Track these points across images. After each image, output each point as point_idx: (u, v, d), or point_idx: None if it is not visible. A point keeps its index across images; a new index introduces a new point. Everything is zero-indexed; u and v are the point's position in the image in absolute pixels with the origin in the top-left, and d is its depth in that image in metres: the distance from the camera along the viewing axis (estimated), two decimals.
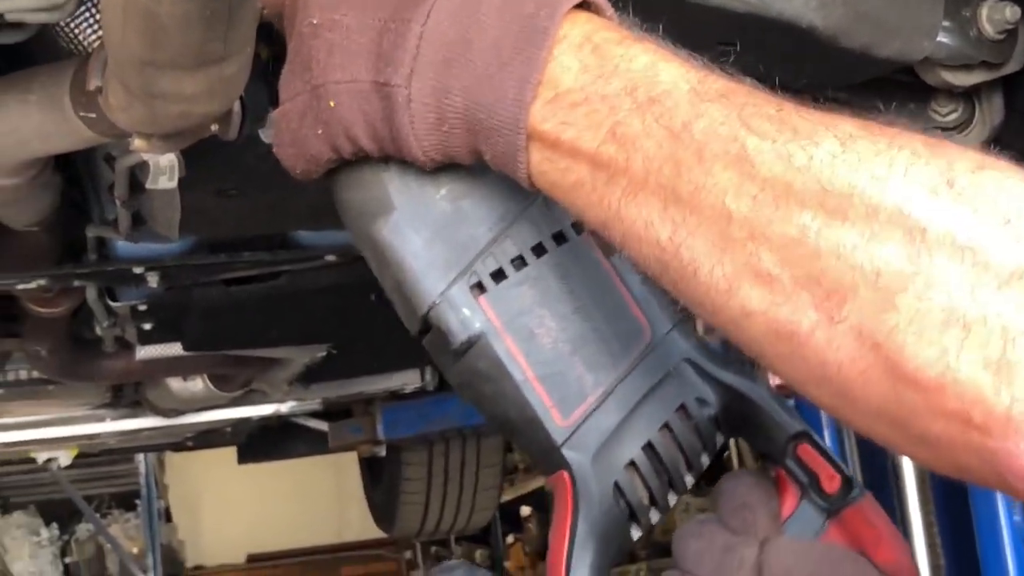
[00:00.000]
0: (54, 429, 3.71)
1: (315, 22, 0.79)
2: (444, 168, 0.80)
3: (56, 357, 2.77)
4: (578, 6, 0.76)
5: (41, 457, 4.16)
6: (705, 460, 0.85)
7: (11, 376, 3.11)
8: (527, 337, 0.81)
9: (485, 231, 0.82)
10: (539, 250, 0.83)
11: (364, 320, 2.58)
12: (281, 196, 1.89)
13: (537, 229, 0.83)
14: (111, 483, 9.26)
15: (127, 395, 3.54)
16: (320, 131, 0.80)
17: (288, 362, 3.09)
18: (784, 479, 0.85)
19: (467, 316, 0.80)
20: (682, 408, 0.84)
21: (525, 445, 0.84)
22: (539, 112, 0.74)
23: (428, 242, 0.81)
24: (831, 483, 0.83)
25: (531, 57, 0.74)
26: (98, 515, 8.95)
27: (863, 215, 0.65)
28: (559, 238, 0.84)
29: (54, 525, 9.09)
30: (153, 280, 2.29)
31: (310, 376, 3.27)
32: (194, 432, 4.03)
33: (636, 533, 0.83)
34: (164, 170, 1.75)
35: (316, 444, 4.32)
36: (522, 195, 0.81)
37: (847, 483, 0.84)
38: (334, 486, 10.81)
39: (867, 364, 0.65)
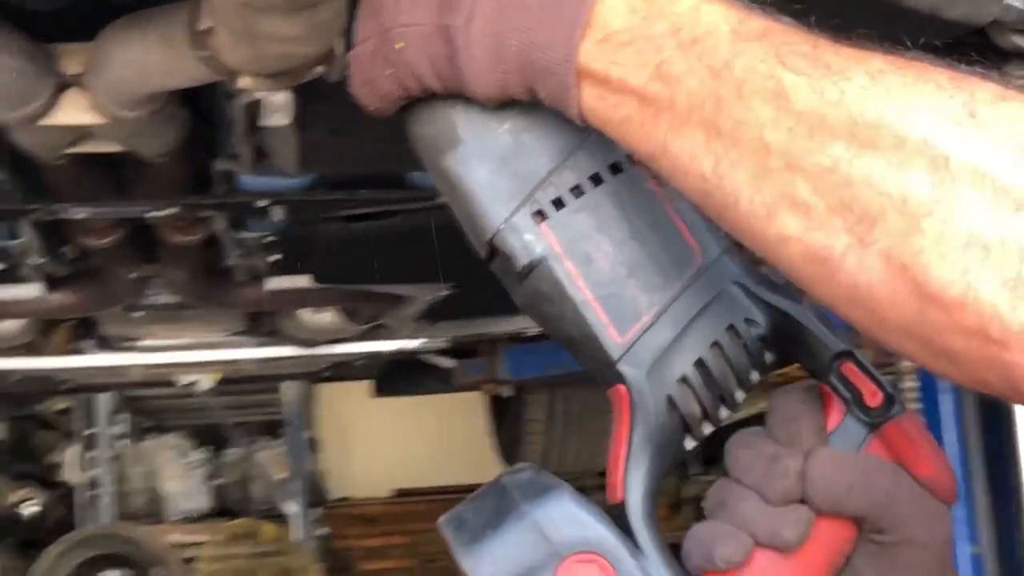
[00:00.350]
0: (194, 353, 3.89)
1: None
2: (506, 104, 0.86)
3: (191, 284, 2.91)
4: None
5: (183, 380, 4.36)
6: (755, 377, 0.90)
7: (151, 300, 3.27)
8: (585, 261, 0.86)
9: (546, 162, 0.87)
10: (596, 179, 0.88)
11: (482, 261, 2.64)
12: (392, 136, 1.96)
13: (594, 160, 0.88)
14: (259, 411, 9.58)
15: (264, 324, 3.69)
16: (389, 71, 0.86)
17: (412, 300, 3.17)
18: (829, 395, 0.88)
19: (529, 241, 0.86)
20: (731, 328, 0.89)
21: (585, 361, 0.89)
22: (589, 52, 0.79)
23: (493, 173, 0.86)
24: (873, 399, 0.87)
25: (580, 0, 0.79)
26: (246, 441, 9.29)
27: (891, 145, 0.69)
28: (615, 168, 0.88)
29: (204, 449, 9.45)
30: (277, 213, 2.39)
31: (434, 315, 3.35)
32: (328, 364, 4.17)
33: (690, 443, 0.89)
34: (278, 107, 1.84)
35: (445, 382, 4.43)
36: (580, 129, 0.86)
37: (889, 399, 0.87)
38: (481, 426, 11.06)
39: (895, 285, 0.70)
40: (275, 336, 3.70)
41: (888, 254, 0.70)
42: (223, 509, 9.27)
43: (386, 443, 13.04)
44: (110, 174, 2.32)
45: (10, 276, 2.69)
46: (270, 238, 2.58)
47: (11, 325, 3.15)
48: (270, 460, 9.28)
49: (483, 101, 0.86)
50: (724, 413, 0.90)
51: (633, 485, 0.86)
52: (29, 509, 10.63)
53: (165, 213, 2.36)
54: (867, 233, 0.70)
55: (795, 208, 0.72)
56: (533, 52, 0.81)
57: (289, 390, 8.65)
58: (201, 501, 9.08)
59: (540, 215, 0.87)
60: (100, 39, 1.76)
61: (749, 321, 0.90)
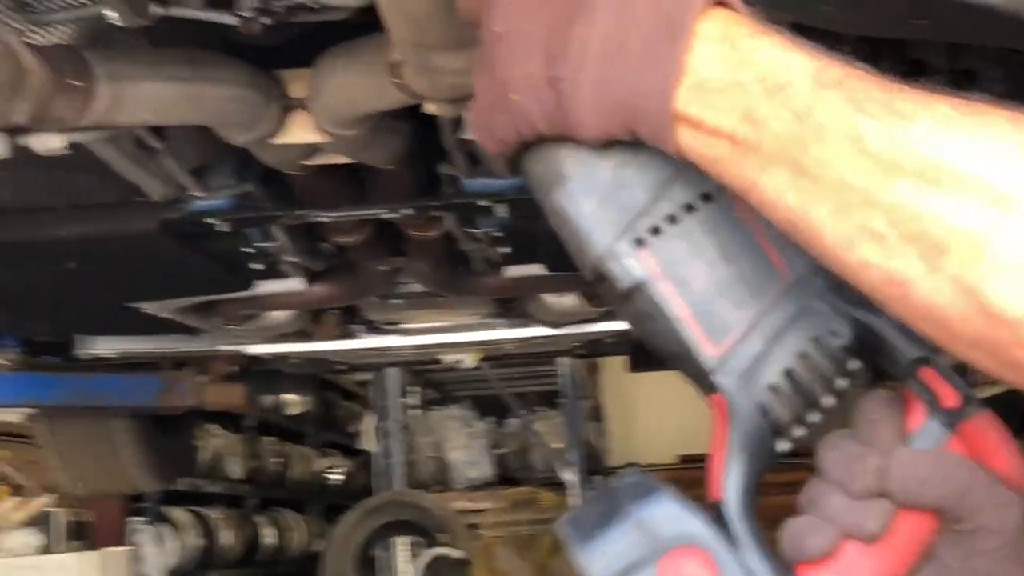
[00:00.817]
0: (456, 335, 4.13)
1: (497, 29, 0.96)
2: (608, 145, 0.96)
3: (435, 274, 3.13)
4: (715, 4, 0.90)
5: (448, 359, 4.61)
6: (842, 383, 0.98)
7: (409, 289, 3.52)
8: (681, 282, 0.96)
9: (644, 194, 0.96)
10: (689, 208, 0.97)
11: None
12: None
13: (688, 191, 0.97)
14: (538, 383, 9.86)
15: (513, 307, 3.89)
16: (507, 119, 0.96)
17: None
18: (910, 398, 0.96)
19: (630, 265, 0.95)
20: (816, 339, 0.97)
21: (685, 372, 0.99)
22: (684, 98, 0.89)
23: (597, 206, 0.96)
24: (951, 400, 0.95)
25: (674, 51, 0.89)
26: (525, 411, 9.57)
27: (953, 183, 0.80)
28: (706, 198, 0.97)
29: (487, 419, 9.80)
30: (501, 211, 2.56)
31: None
32: (580, 342, 4.33)
33: (782, 446, 0.97)
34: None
35: None
36: (674, 163, 0.95)
37: (966, 400, 0.95)
38: None
39: (963, 306, 0.80)
40: (525, 318, 3.89)
41: (956, 279, 0.80)
42: (505, 477, 9.62)
43: (669, 409, 13.13)
44: (349, 180, 2.55)
45: (274, 273, 2.98)
46: (498, 232, 2.75)
47: (283, 315, 3.47)
48: (549, 429, 9.52)
49: (590, 142, 0.95)
50: (813, 417, 0.98)
51: (730, 484, 0.95)
52: (334, 476, 11.33)
53: (399, 215, 2.57)
54: (937, 260, 0.80)
55: (873, 238, 0.83)
56: (634, 99, 0.90)
57: (565, 362, 8.85)
58: (485, 469, 9.43)
59: (639, 242, 0.96)
60: (317, 67, 1.98)
61: (833, 332, 0.98)
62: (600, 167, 0.97)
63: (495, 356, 4.75)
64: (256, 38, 1.86)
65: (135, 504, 7.82)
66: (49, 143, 1.79)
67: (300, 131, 2.07)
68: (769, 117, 0.85)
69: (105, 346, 3.76)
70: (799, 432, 0.97)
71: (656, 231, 0.96)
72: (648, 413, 13.67)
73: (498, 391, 8.85)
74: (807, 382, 0.97)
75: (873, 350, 0.99)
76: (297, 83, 2.05)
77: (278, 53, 2.07)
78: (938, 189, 0.80)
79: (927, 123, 0.81)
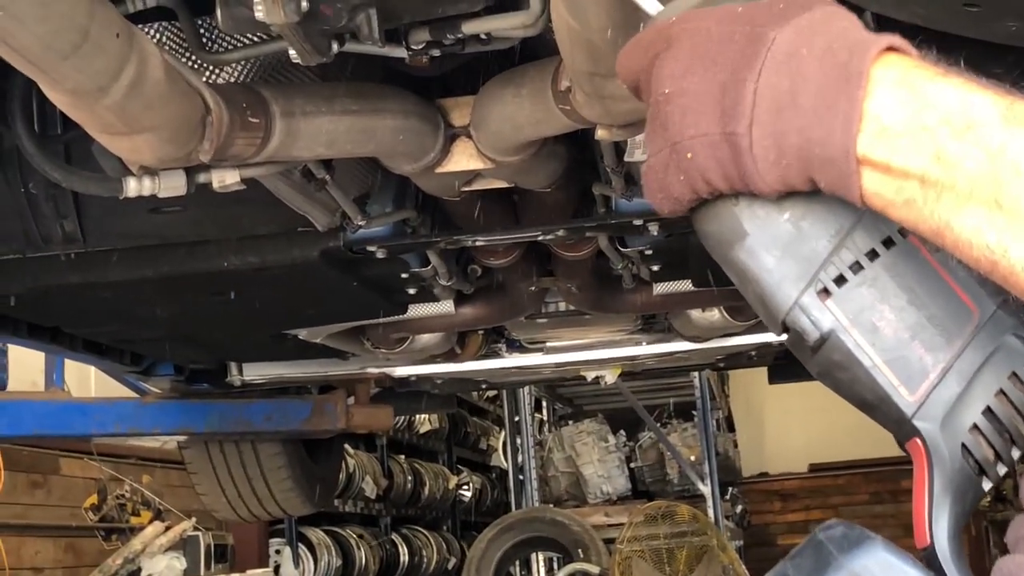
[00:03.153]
0: (598, 352, 4.13)
1: (667, 91, 0.97)
2: (784, 196, 0.96)
3: (584, 292, 3.13)
4: (885, 49, 0.90)
5: (590, 375, 4.62)
6: None
7: (552, 308, 3.54)
8: (871, 329, 0.95)
9: (825, 244, 0.96)
10: (872, 255, 0.97)
11: None
12: None
13: (869, 237, 0.97)
14: (670, 394, 9.82)
15: (657, 323, 3.88)
16: (682, 178, 0.97)
17: None
18: None
19: (818, 318, 0.95)
20: (1014, 375, 0.97)
21: (881, 420, 0.98)
22: (866, 143, 0.89)
23: (778, 259, 0.97)
24: None
25: (852, 97, 0.89)
26: (658, 424, 9.53)
27: None
28: (888, 243, 0.97)
29: (621, 433, 9.77)
30: (654, 229, 2.55)
31: None
32: (722, 355, 4.31)
33: (987, 485, 0.97)
34: (638, 145, 2.01)
35: None
36: (852, 210, 0.96)
37: None
38: None
39: None
40: (668, 333, 3.88)
41: None
42: (640, 491, 9.58)
43: (799, 419, 12.99)
44: (504, 203, 2.57)
45: (425, 296, 3.01)
46: (648, 251, 2.75)
47: (432, 337, 3.51)
48: (683, 442, 9.46)
49: (766, 195, 0.95)
50: (1016, 453, 0.97)
51: (939, 529, 0.95)
52: (466, 493, 11.40)
53: (552, 236, 2.58)
54: None
55: None
56: (812, 147, 0.91)
57: (699, 373, 8.80)
58: (619, 483, 9.41)
59: (825, 292, 0.96)
60: (480, 96, 2.00)
61: None
62: (778, 221, 0.97)
63: (634, 371, 4.74)
64: (420, 69, 1.90)
65: (273, 526, 7.96)
66: (226, 179, 1.84)
67: (463, 159, 2.09)
68: (961, 157, 0.85)
69: (257, 372, 3.83)
70: (1003, 469, 0.97)
71: (841, 280, 0.96)
72: (777, 422, 13.54)
73: (630, 404, 8.82)
74: (1008, 419, 0.96)
75: None
76: (459, 111, 2.07)
77: (434, 81, 2.10)
78: None
79: None
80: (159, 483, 7.34)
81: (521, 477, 9.54)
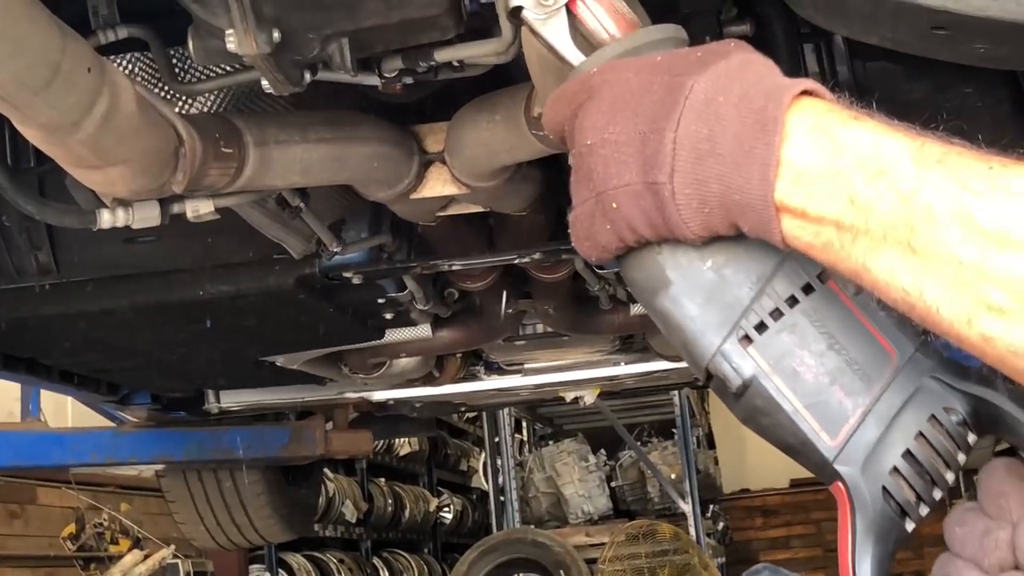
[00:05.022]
0: (576, 373, 4.14)
1: (589, 142, 0.99)
2: (707, 243, 0.98)
3: (561, 314, 3.13)
4: (800, 94, 0.92)
5: (569, 396, 4.62)
6: (962, 458, 0.99)
7: (530, 330, 3.54)
8: (791, 375, 0.97)
9: (747, 291, 0.98)
10: (792, 301, 0.99)
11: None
12: None
13: (789, 284, 0.99)
14: (650, 413, 9.83)
15: (635, 343, 3.88)
16: (608, 227, 0.99)
17: None
18: None
19: (739, 364, 0.97)
20: (933, 417, 0.98)
21: (804, 463, 1.00)
22: (784, 188, 0.91)
23: (701, 307, 0.98)
24: None
25: (768, 144, 0.90)
26: (639, 443, 9.54)
27: None
28: (807, 289, 0.99)
29: (601, 452, 9.78)
30: None
31: None
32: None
33: (910, 526, 0.98)
34: None
35: None
36: (773, 257, 0.98)
37: None
38: None
39: None
40: (646, 352, 3.88)
41: None
42: (621, 510, 9.58)
43: None
44: (479, 227, 2.57)
45: (403, 321, 3.01)
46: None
47: (410, 361, 3.50)
48: (663, 460, 9.47)
49: (690, 241, 0.97)
50: (937, 494, 0.98)
51: (862, 571, 0.96)
52: (447, 515, 11.37)
53: (529, 260, 2.58)
54: None
55: (992, 312, 0.83)
56: (732, 194, 0.92)
57: (677, 392, 8.81)
58: (600, 503, 9.42)
59: (747, 339, 0.98)
60: (454, 122, 2.01)
61: (948, 409, 0.98)
62: (701, 269, 0.99)
63: (613, 391, 4.75)
64: (393, 96, 1.90)
65: (253, 552, 7.92)
66: (200, 209, 1.84)
67: (438, 184, 2.09)
68: (875, 201, 0.87)
69: (234, 399, 3.82)
70: (924, 510, 0.98)
71: (762, 327, 0.98)
72: (757, 438, 13.52)
73: (610, 423, 8.83)
74: (928, 461, 0.97)
75: (990, 422, 0.99)
76: (433, 137, 2.08)
77: (407, 107, 2.10)
78: None
79: None
80: (138, 511, 7.29)
81: (502, 498, 9.53)
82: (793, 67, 1.91)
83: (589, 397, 4.58)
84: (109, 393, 3.55)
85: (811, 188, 0.89)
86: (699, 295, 0.98)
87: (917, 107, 2.00)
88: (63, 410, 6.20)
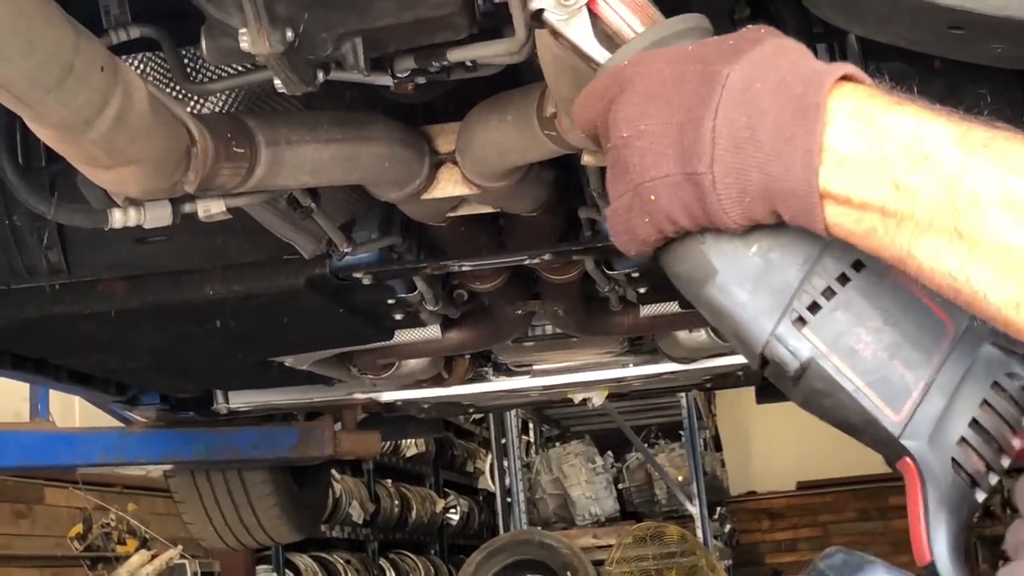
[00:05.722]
0: (585, 374, 4.13)
1: (625, 135, 0.98)
2: (750, 229, 0.97)
3: (571, 315, 3.13)
4: (840, 79, 0.91)
5: (577, 398, 4.61)
6: None
7: (539, 331, 3.54)
8: (849, 353, 0.96)
9: (795, 273, 0.97)
10: (843, 279, 0.97)
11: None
12: None
13: (839, 262, 0.97)
14: (657, 415, 9.81)
15: (645, 344, 3.88)
16: (647, 219, 0.98)
17: None
18: None
19: (796, 347, 0.96)
20: (996, 384, 0.97)
21: (869, 442, 0.99)
22: (827, 175, 0.90)
23: (751, 293, 0.97)
24: None
25: (810, 130, 0.89)
26: (646, 445, 9.52)
27: None
28: (858, 265, 0.98)
29: (608, 454, 9.76)
30: None
31: None
32: (709, 376, 4.30)
33: (981, 496, 0.97)
34: None
35: None
36: (817, 240, 0.96)
37: None
38: None
39: None
40: (655, 354, 3.87)
41: None
42: (628, 512, 9.57)
43: (786, 437, 12.99)
44: (489, 228, 2.56)
45: (412, 321, 3.01)
46: (635, 273, 2.75)
47: (419, 362, 3.50)
48: (670, 462, 9.46)
49: (732, 230, 0.96)
50: (1005, 461, 0.97)
51: (938, 545, 0.95)
52: (454, 516, 11.36)
53: (539, 260, 2.58)
54: None
55: None
56: (774, 182, 0.91)
57: (685, 394, 8.80)
58: (607, 505, 9.40)
59: (801, 321, 0.96)
60: (465, 122, 2.00)
61: (1010, 375, 0.97)
62: (746, 255, 0.97)
63: (621, 393, 4.74)
64: (405, 96, 1.89)
65: (260, 553, 7.92)
66: (212, 209, 1.83)
67: (449, 185, 2.09)
68: (919, 186, 0.86)
69: (243, 400, 3.81)
70: (994, 479, 0.97)
71: (815, 307, 0.96)
72: (764, 440, 13.53)
73: (618, 425, 8.82)
74: (995, 428, 0.96)
75: None
76: (444, 138, 2.07)
77: (418, 107, 2.10)
78: None
79: None
80: (145, 511, 7.28)
81: (509, 500, 9.52)
82: None
83: (597, 399, 4.57)
84: (118, 393, 3.55)
85: (854, 174, 0.89)
86: (747, 281, 0.97)
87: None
88: (71, 410, 6.20)
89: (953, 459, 0.95)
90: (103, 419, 4.12)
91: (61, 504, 6.92)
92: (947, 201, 0.85)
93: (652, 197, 0.96)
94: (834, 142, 0.89)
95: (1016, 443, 0.97)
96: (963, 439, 0.96)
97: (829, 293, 0.97)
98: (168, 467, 4.38)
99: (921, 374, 0.96)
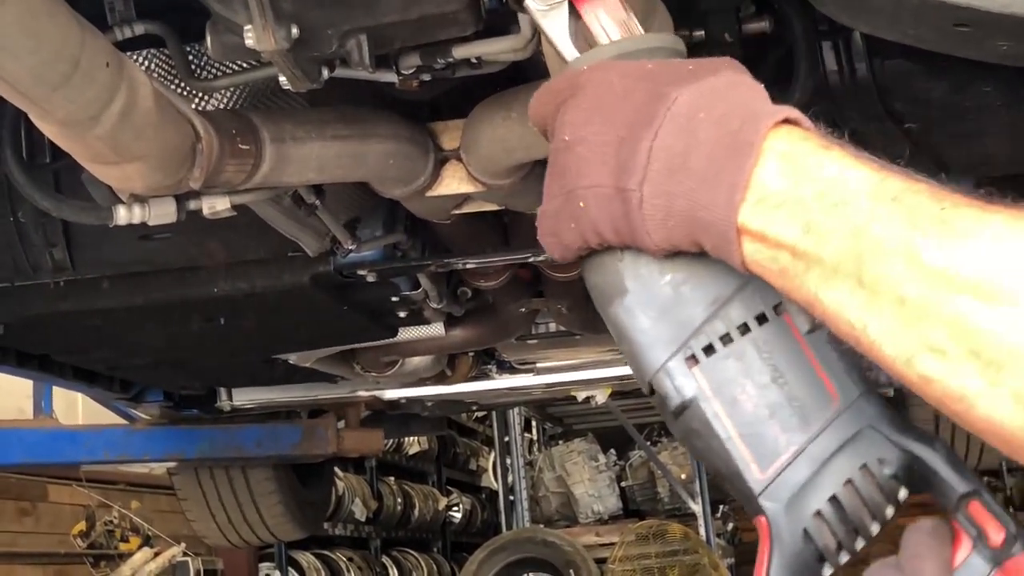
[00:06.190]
0: (588, 372, 4.14)
1: (567, 139, 0.98)
2: (670, 258, 0.97)
3: (574, 313, 3.13)
4: (782, 122, 0.91)
5: (581, 395, 4.62)
6: (890, 511, 0.97)
7: (543, 329, 3.54)
8: (731, 402, 0.96)
9: (700, 312, 0.97)
10: (744, 329, 0.97)
11: None
12: None
13: (744, 311, 0.98)
14: (660, 413, 9.81)
15: None
16: (573, 225, 0.98)
17: None
18: (959, 531, 0.94)
19: (682, 384, 0.96)
20: (865, 467, 0.96)
21: (733, 492, 0.99)
22: (747, 211, 0.90)
23: (653, 321, 0.98)
24: (997, 536, 0.93)
25: (739, 166, 0.90)
26: (649, 443, 9.52)
27: (1009, 301, 0.79)
28: (761, 319, 0.98)
29: (611, 451, 9.76)
30: None
31: None
32: None
33: (827, 571, 0.97)
34: None
35: None
36: (733, 282, 0.97)
37: (1011, 538, 0.92)
38: None
39: (1023, 421, 0.79)
40: None
41: (1015, 395, 0.79)
42: (631, 510, 9.58)
43: None
44: (494, 225, 2.56)
45: (416, 319, 3.01)
46: None
47: (423, 360, 3.50)
48: (673, 460, 9.46)
49: (652, 252, 0.96)
50: (859, 544, 0.96)
51: None
52: (456, 514, 11.37)
53: (543, 258, 2.58)
54: (996, 376, 0.80)
55: (934, 353, 0.82)
56: (698, 211, 0.92)
57: None
58: (610, 503, 9.41)
59: (693, 360, 0.96)
60: (470, 119, 2.00)
61: (881, 461, 0.96)
62: (659, 282, 0.98)
63: (624, 391, 4.75)
64: (410, 92, 1.89)
65: (263, 550, 7.93)
66: (216, 206, 1.83)
67: (454, 182, 2.09)
68: (830, 231, 0.86)
69: (246, 397, 3.82)
70: (844, 557, 0.97)
71: (710, 350, 0.97)
72: None
73: (620, 423, 8.82)
74: (853, 509, 0.96)
75: (922, 480, 0.97)
76: (448, 135, 2.07)
77: (423, 104, 2.10)
78: (994, 306, 0.80)
79: (983, 239, 0.81)
80: (148, 509, 7.29)
81: (511, 497, 9.53)
82: (811, 64, 1.91)
83: (601, 396, 4.58)
84: (122, 391, 3.55)
85: (772, 213, 0.89)
86: (653, 308, 0.98)
87: (936, 105, 1.99)
88: (74, 407, 6.20)
89: (805, 530, 0.95)
90: (106, 416, 4.12)
91: (64, 501, 6.93)
92: (852, 249, 0.85)
93: (581, 204, 0.97)
94: (760, 180, 0.90)
95: (874, 529, 0.96)
96: (819, 513, 0.95)
97: (727, 339, 0.97)
98: (172, 464, 4.38)
99: (795, 439, 0.96)
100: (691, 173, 0.92)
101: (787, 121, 0.92)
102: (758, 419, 0.96)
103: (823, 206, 0.87)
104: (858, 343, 0.87)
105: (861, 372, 0.96)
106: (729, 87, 0.95)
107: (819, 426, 0.97)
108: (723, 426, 0.96)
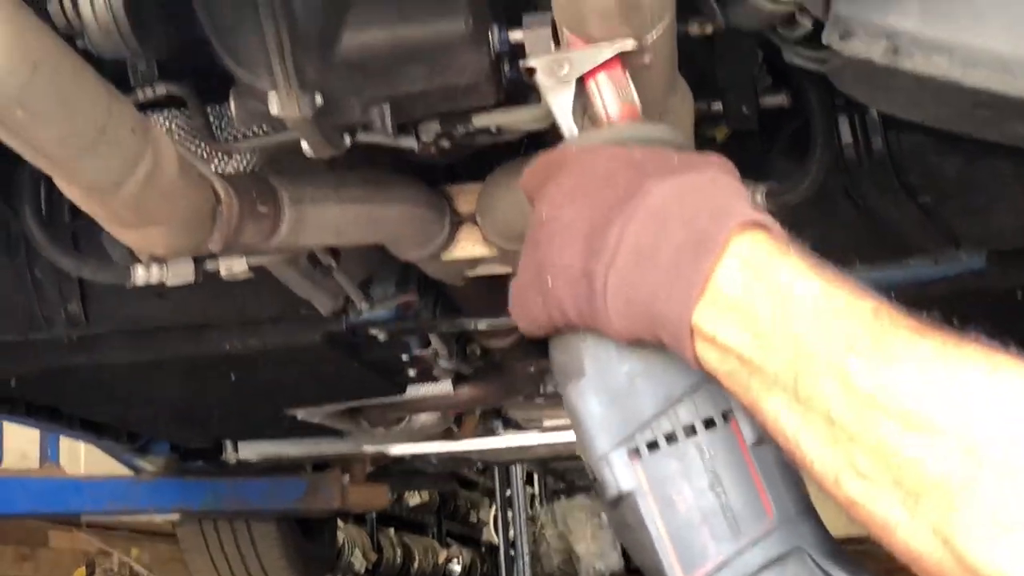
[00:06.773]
0: None
1: (545, 214, 1.00)
2: (631, 348, 0.98)
3: None
4: (752, 225, 0.91)
5: None
6: None
7: (551, 388, 3.54)
8: (667, 502, 0.97)
9: (651, 407, 0.98)
10: (690, 431, 0.98)
11: None
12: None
13: (693, 412, 0.98)
14: None
15: None
16: (540, 301, 1.00)
17: None
18: None
19: (621, 476, 0.97)
20: None
21: None
22: (701, 311, 0.90)
23: (605, 408, 0.98)
24: None
25: (699, 265, 0.91)
26: None
27: (932, 431, 0.78)
28: (709, 423, 0.98)
29: None
30: None
31: None
32: None
33: None
34: None
35: None
36: (687, 381, 0.98)
37: None
38: None
39: (942, 554, 0.78)
40: None
41: (933, 527, 0.78)
42: (632, 568, 9.51)
43: None
44: (505, 287, 2.56)
45: (425, 377, 3.01)
46: None
47: (430, 416, 3.50)
48: None
49: (615, 339, 0.97)
50: None
51: None
52: (456, 567, 11.29)
53: None
54: (915, 506, 0.79)
55: (858, 476, 0.82)
56: (658, 304, 0.92)
57: None
58: (612, 560, 9.34)
59: (636, 453, 0.97)
60: (487, 183, 2.01)
61: None
62: (616, 371, 0.99)
63: None
64: (428, 157, 1.91)
65: None
66: (234, 268, 1.84)
67: (469, 245, 2.10)
68: (773, 342, 0.86)
69: (252, 450, 3.82)
70: None
71: (654, 446, 0.97)
72: None
73: None
74: None
75: None
76: (464, 198, 2.08)
77: (438, 168, 2.11)
78: (918, 435, 0.79)
79: (911, 365, 0.80)
80: (149, 556, 7.25)
81: (512, 553, 9.45)
82: (828, 137, 1.92)
83: None
84: (129, 442, 3.55)
85: (724, 316, 0.89)
86: (606, 395, 0.99)
87: (949, 179, 2.00)
88: (76, 454, 6.19)
89: None
90: (108, 464, 4.11)
91: (65, 547, 6.89)
92: (791, 362, 0.85)
93: (550, 282, 0.98)
94: (717, 282, 0.90)
95: None
96: None
97: (672, 438, 0.98)
98: (176, 516, 4.37)
99: (723, 549, 0.96)
100: (656, 265, 0.92)
101: (756, 224, 0.92)
102: (689, 523, 0.97)
103: (772, 313, 0.87)
104: (793, 456, 0.87)
105: (802, 491, 0.96)
106: (708, 184, 0.96)
107: (749, 539, 0.97)
108: (655, 525, 0.97)
